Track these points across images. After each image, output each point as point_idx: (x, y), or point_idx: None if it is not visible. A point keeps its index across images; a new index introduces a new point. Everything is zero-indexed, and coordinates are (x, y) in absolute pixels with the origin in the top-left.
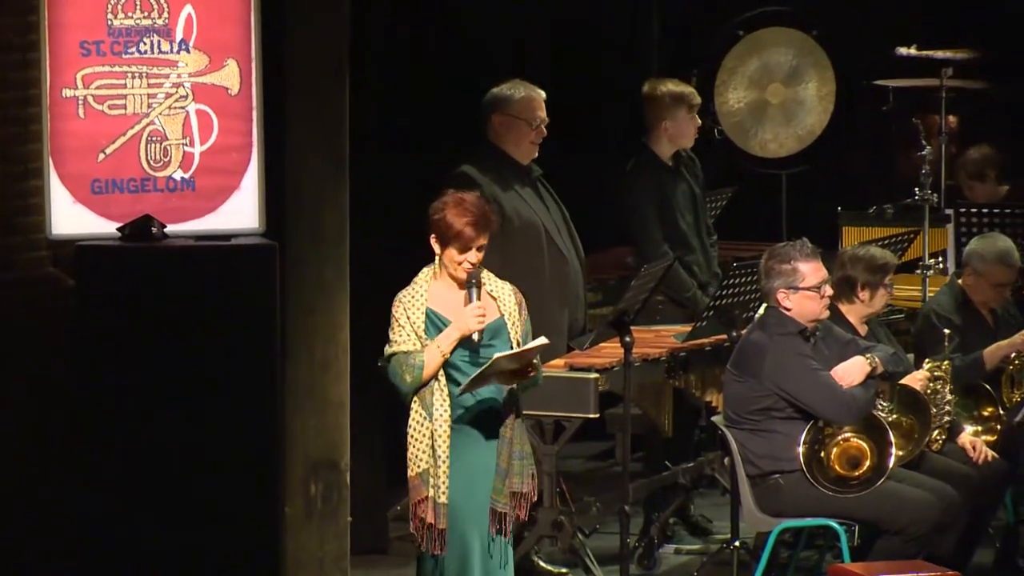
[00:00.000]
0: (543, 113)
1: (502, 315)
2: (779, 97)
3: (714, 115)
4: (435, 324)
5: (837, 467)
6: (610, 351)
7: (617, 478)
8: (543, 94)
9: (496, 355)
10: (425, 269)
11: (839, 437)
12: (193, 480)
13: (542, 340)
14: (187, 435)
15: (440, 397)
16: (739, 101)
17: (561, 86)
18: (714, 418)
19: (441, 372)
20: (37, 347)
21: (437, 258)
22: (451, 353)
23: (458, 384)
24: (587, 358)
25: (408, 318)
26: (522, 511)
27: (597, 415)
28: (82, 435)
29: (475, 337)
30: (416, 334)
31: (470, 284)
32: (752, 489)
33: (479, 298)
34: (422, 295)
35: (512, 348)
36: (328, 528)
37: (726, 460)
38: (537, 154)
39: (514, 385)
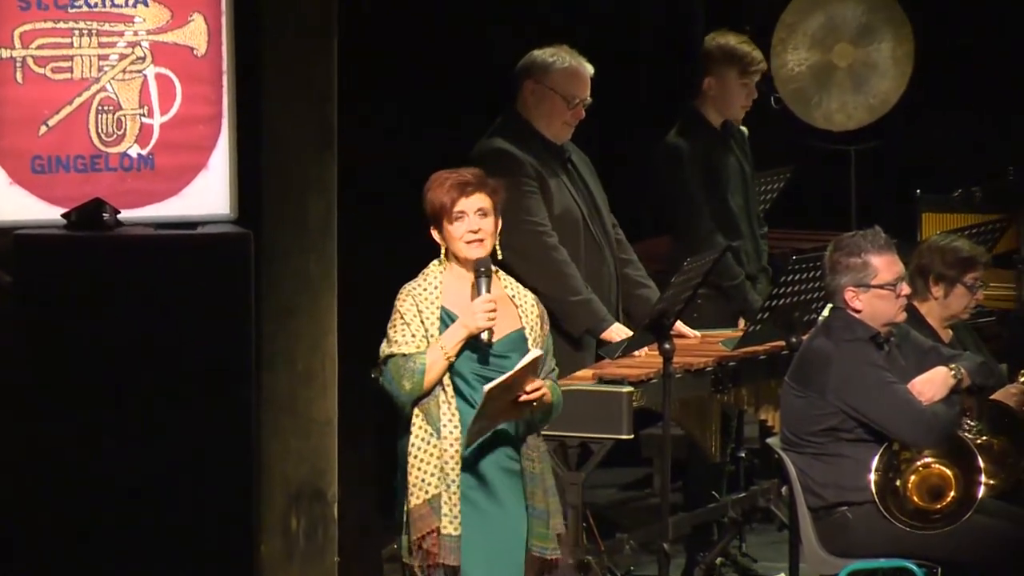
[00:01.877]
0: (586, 92)
1: (523, 326)
2: (847, 59)
3: (770, 80)
4: (446, 324)
5: (915, 498)
6: (646, 360)
7: (654, 511)
8: (591, 69)
9: (487, 387)
10: (434, 262)
11: (918, 463)
12: (152, 513)
13: (533, 353)
14: (145, 461)
15: (448, 410)
16: (800, 64)
17: (587, 46)
18: (769, 440)
19: (447, 381)
20: None
21: (443, 251)
22: (456, 356)
23: (465, 398)
24: (619, 368)
25: (419, 313)
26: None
27: (631, 436)
28: (23, 462)
29: (484, 337)
30: (427, 333)
31: (479, 273)
32: (815, 524)
33: (489, 290)
34: (435, 287)
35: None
36: (312, 570)
37: (783, 490)
38: (570, 136)
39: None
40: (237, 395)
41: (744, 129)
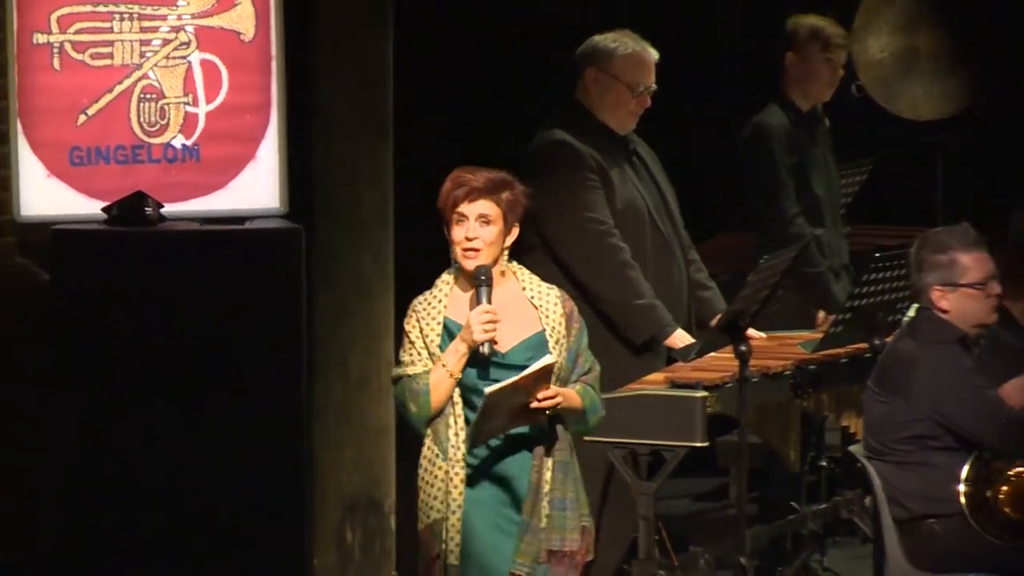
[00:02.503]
0: (651, 78)
1: (543, 329)
2: (932, 44)
3: (850, 67)
4: (454, 337)
5: (1008, 510)
6: (721, 363)
7: (730, 523)
8: (655, 55)
9: (488, 390)
10: (447, 270)
11: (1010, 472)
12: (200, 526)
13: (545, 360)
14: (192, 472)
15: (455, 430)
16: (882, 50)
17: (656, 31)
18: (852, 448)
19: (456, 399)
20: (1, 358)
21: (451, 252)
22: (461, 373)
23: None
24: (693, 372)
25: (421, 331)
26: (568, 574)
27: (706, 444)
28: (60, 471)
29: (484, 350)
30: (429, 351)
31: (479, 281)
32: (901, 537)
33: (490, 300)
34: (440, 301)
35: (554, 372)
36: None
37: (867, 501)
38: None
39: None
40: (288, 402)
41: (825, 119)
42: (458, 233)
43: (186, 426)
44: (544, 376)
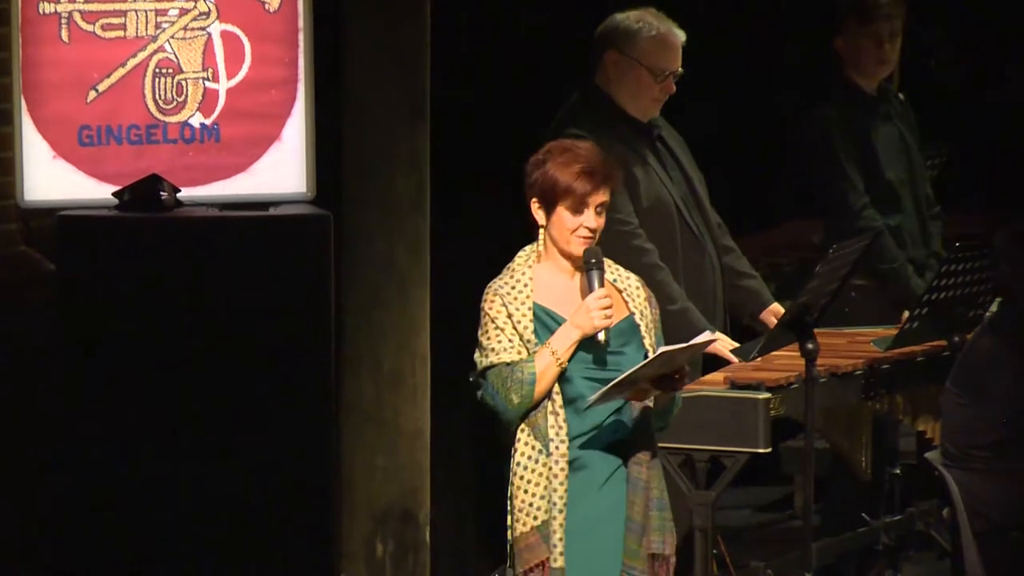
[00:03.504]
0: (677, 62)
1: (631, 313)
2: None
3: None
4: (544, 324)
5: None
6: (786, 362)
7: (795, 536)
8: (682, 36)
9: (663, 348)
10: (524, 251)
11: None
12: (216, 537)
13: (707, 335)
14: (207, 478)
15: (556, 422)
16: None
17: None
18: (928, 454)
19: (557, 389)
20: (4, 354)
21: (541, 233)
22: (568, 361)
23: (575, 406)
24: (754, 372)
25: (510, 316)
26: None
27: (768, 449)
28: (70, 473)
29: (601, 338)
30: (521, 338)
31: (590, 264)
32: (982, 552)
33: (602, 284)
34: (526, 285)
35: (647, 356)
36: None
37: (945, 512)
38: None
39: (649, 403)
40: (315, 402)
41: (906, 100)
42: (574, 222)
43: (203, 430)
44: (699, 352)
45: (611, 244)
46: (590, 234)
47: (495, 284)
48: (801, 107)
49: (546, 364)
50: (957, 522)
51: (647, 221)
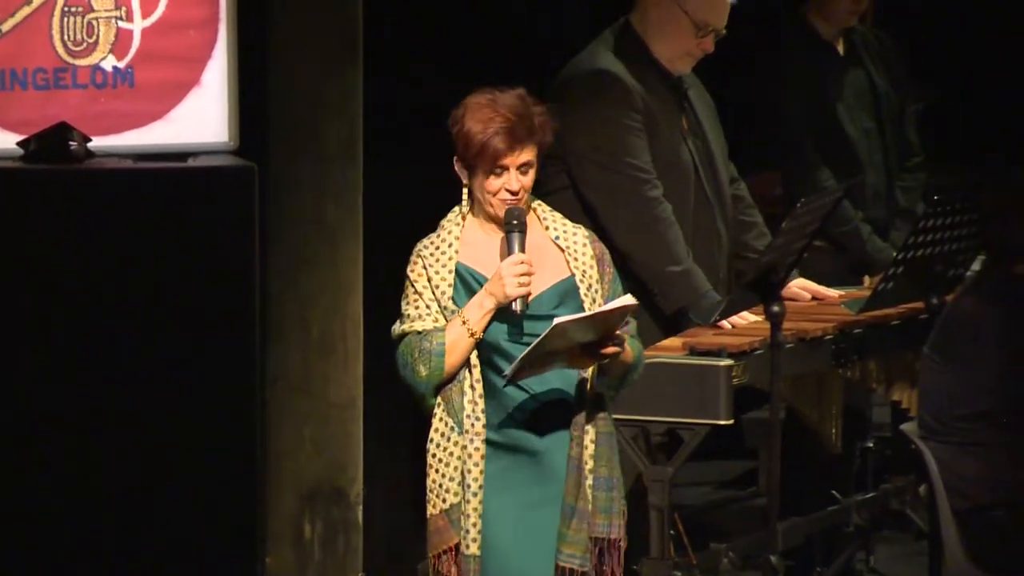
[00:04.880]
0: (723, 21)
1: (572, 273)
2: None
3: None
4: (468, 287)
5: None
6: (750, 327)
7: (759, 515)
8: None
9: (558, 319)
10: (456, 208)
11: None
12: (132, 516)
13: (628, 299)
14: (122, 453)
15: (473, 397)
16: None
17: None
18: (904, 426)
19: (475, 360)
20: None
21: (465, 191)
22: (484, 331)
23: (498, 373)
24: (715, 337)
25: (429, 280)
26: (613, 568)
27: (731, 421)
28: None
29: (516, 307)
30: (440, 304)
31: (511, 226)
32: (961, 532)
33: (523, 248)
34: (450, 245)
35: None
36: None
37: (922, 489)
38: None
39: (590, 372)
40: (237, 370)
41: (884, 37)
42: (495, 184)
43: (115, 403)
44: (619, 317)
45: (624, 191)
46: (513, 197)
47: (420, 244)
48: (755, 52)
49: (457, 335)
50: (935, 500)
51: (663, 180)
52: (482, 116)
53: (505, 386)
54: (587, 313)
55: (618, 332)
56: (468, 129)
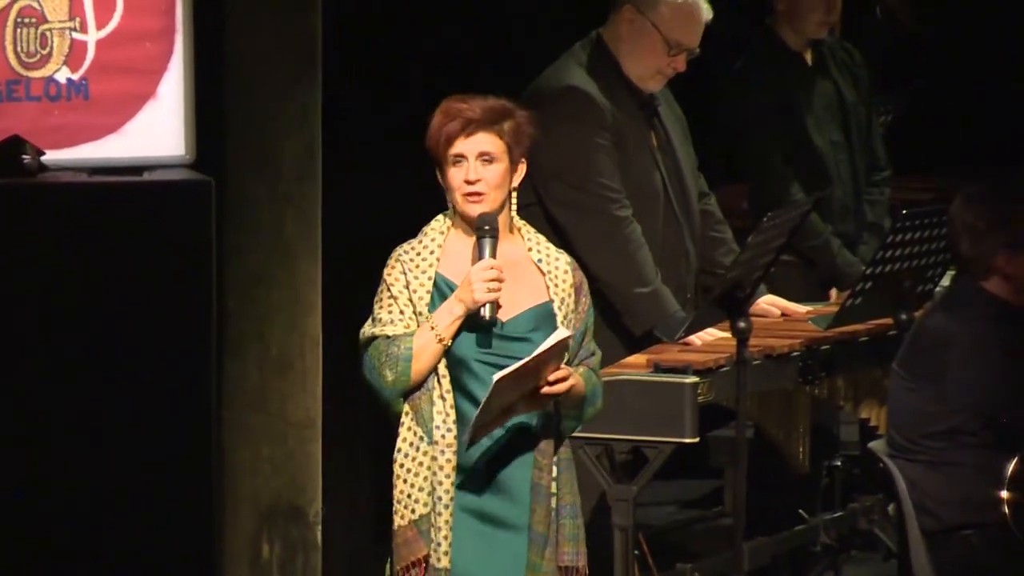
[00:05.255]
0: (696, 40)
1: (551, 299)
2: None
3: None
4: (444, 297)
5: None
6: (716, 343)
7: (725, 535)
8: (709, 14)
9: (497, 375)
10: (441, 216)
11: None
12: (85, 536)
13: (560, 334)
14: (77, 469)
15: (443, 408)
16: None
17: None
18: (872, 444)
19: (444, 371)
20: None
21: (449, 198)
22: (454, 340)
23: (468, 392)
24: (681, 354)
25: (407, 286)
26: None
27: (696, 440)
28: None
29: (485, 313)
30: (415, 310)
31: (482, 231)
32: (930, 552)
33: (493, 253)
34: (432, 252)
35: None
36: None
37: (890, 508)
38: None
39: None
40: (194, 388)
41: (852, 48)
42: (456, 176)
43: (68, 420)
44: (557, 354)
45: (593, 209)
46: (472, 188)
47: (400, 248)
48: (723, 63)
49: (425, 341)
50: (903, 519)
51: (632, 200)
52: (447, 108)
53: (468, 448)
54: (522, 361)
55: (564, 370)
56: (433, 126)
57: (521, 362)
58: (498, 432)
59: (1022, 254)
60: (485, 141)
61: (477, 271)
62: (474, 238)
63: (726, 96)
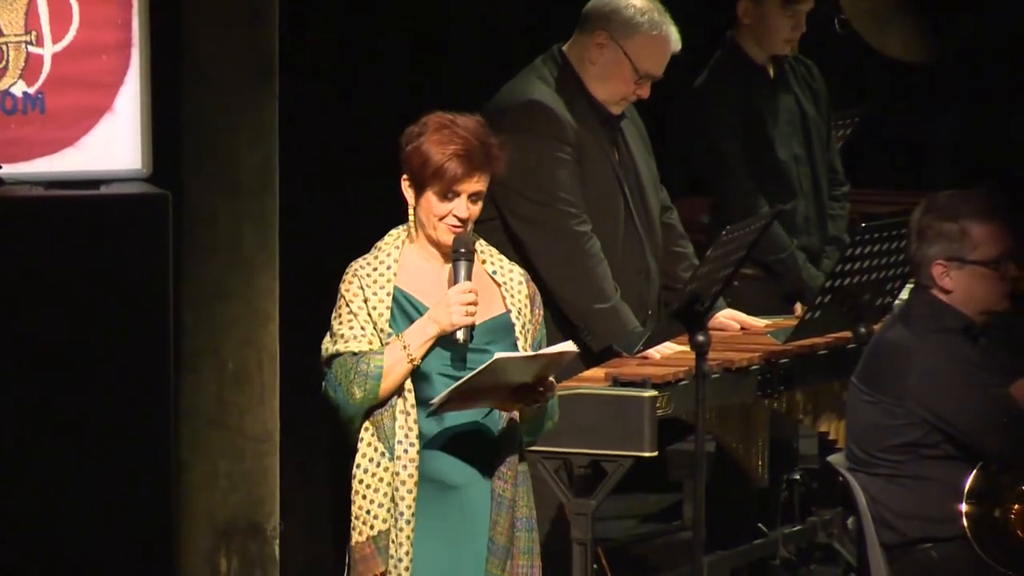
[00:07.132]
0: (662, 69)
1: (508, 310)
2: None
3: None
4: (404, 312)
5: (1020, 533)
6: (674, 357)
7: (684, 549)
8: (678, 45)
9: (499, 355)
10: (396, 230)
11: (1022, 488)
12: (40, 552)
13: (569, 345)
14: (32, 485)
15: (406, 423)
16: None
17: None
18: (831, 458)
19: (408, 386)
20: None
21: (411, 211)
22: (423, 359)
23: (424, 406)
24: (639, 367)
25: (366, 301)
26: None
27: (655, 453)
28: None
29: (460, 336)
30: (375, 326)
31: (458, 255)
32: (890, 566)
33: (469, 276)
34: (388, 267)
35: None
36: None
37: (849, 522)
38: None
39: (514, 414)
40: (151, 403)
41: (811, 64)
42: (441, 208)
43: (25, 434)
44: (557, 362)
45: (553, 226)
46: (459, 223)
47: (356, 263)
48: (683, 75)
49: (396, 359)
50: (863, 533)
51: (591, 213)
52: (441, 137)
53: (429, 415)
54: (530, 353)
55: (550, 379)
56: (426, 148)
57: (528, 353)
58: (459, 442)
59: (956, 270)
60: (481, 182)
61: (455, 294)
62: (434, 253)
63: (690, 109)
